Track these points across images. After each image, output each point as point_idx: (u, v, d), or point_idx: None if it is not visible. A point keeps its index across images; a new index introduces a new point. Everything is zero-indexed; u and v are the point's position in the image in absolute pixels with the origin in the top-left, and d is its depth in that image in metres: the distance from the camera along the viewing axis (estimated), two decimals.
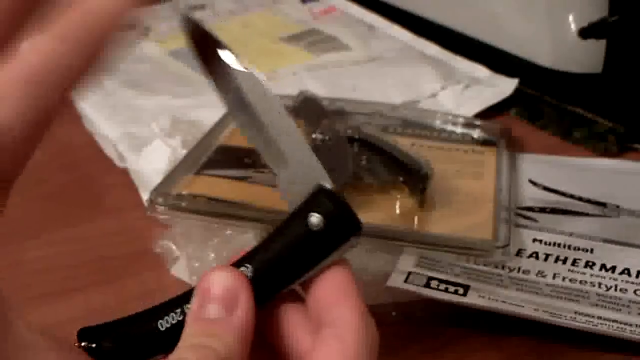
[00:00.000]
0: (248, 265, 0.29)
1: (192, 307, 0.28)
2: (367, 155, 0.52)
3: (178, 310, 0.29)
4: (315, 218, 0.28)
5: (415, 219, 0.49)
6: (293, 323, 0.29)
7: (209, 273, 0.28)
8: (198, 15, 0.84)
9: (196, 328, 0.28)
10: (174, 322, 0.29)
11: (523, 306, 0.42)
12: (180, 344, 0.28)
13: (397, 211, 0.50)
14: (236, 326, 0.27)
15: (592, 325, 0.41)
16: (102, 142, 0.61)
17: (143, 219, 0.49)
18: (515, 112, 0.66)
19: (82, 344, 0.30)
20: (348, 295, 0.28)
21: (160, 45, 0.77)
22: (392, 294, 0.44)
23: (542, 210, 0.52)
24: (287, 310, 0.30)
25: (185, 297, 0.29)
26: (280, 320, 0.29)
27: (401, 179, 0.51)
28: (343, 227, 0.28)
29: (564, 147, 0.61)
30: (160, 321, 0.29)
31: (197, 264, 0.45)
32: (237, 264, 0.29)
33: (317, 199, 0.29)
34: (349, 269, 0.29)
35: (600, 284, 0.44)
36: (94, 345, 0.29)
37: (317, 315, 0.28)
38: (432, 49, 0.74)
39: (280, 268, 0.29)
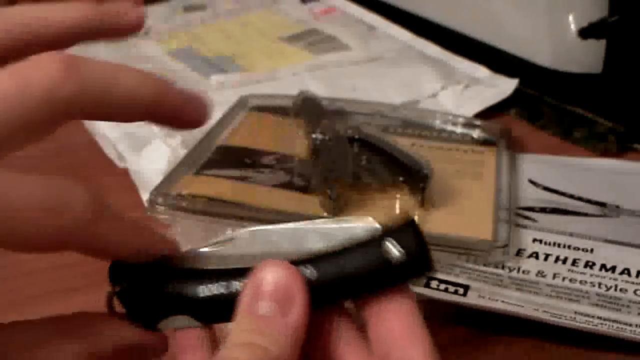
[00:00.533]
0: (310, 267, 0.27)
1: (244, 299, 0.27)
2: (367, 155, 0.52)
3: (224, 284, 0.27)
4: (396, 251, 0.27)
5: (415, 219, 0.49)
6: (345, 341, 0.28)
7: (264, 266, 0.27)
8: (198, 15, 0.84)
9: (248, 324, 0.26)
10: (215, 292, 0.27)
11: (523, 306, 0.42)
12: (231, 338, 0.26)
13: (397, 211, 0.50)
14: (291, 328, 0.26)
15: (592, 325, 0.41)
16: (102, 142, 0.61)
17: (143, 219, 0.49)
18: (515, 112, 0.66)
19: (112, 283, 0.28)
20: (417, 334, 0.27)
21: (161, 45, 0.77)
22: None
23: (542, 210, 0.52)
24: (339, 326, 0.28)
25: (233, 272, 0.28)
26: (330, 334, 0.28)
27: (401, 179, 0.51)
28: (420, 266, 0.28)
29: (564, 147, 0.61)
30: (202, 287, 0.28)
31: None
32: (296, 263, 0.27)
33: (403, 231, 0.28)
34: (413, 301, 0.28)
35: (600, 284, 0.44)
36: (121, 285, 0.28)
37: (383, 348, 0.27)
38: (432, 49, 0.74)
39: (343, 281, 0.27)
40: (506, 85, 0.67)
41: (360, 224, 0.28)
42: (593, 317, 0.42)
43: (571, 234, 0.49)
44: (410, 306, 0.28)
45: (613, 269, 0.46)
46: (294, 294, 0.27)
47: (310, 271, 0.27)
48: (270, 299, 0.26)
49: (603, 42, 0.64)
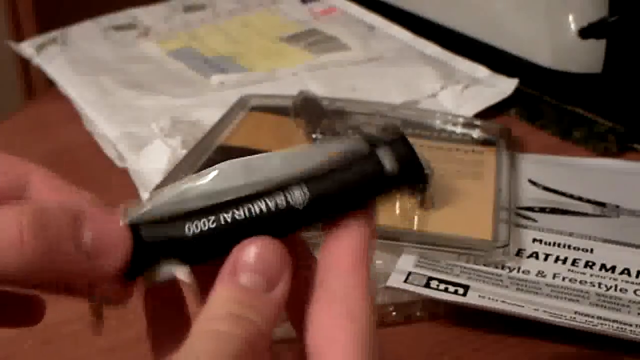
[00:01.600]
0: (304, 186, 0.26)
1: (227, 268, 0.25)
2: None
3: (212, 217, 0.26)
4: (389, 162, 0.27)
5: (415, 219, 0.49)
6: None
7: (250, 240, 0.25)
8: (198, 15, 0.84)
9: (231, 293, 0.25)
10: (204, 228, 0.26)
11: (523, 306, 0.42)
12: (211, 308, 0.24)
13: (397, 211, 0.50)
14: (276, 303, 0.25)
15: (592, 325, 0.41)
16: (102, 142, 0.61)
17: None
18: (515, 112, 0.66)
19: None
20: (357, 266, 0.26)
21: (161, 45, 0.77)
22: (392, 294, 0.44)
23: (542, 210, 0.52)
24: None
25: (223, 206, 0.26)
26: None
27: None
28: (413, 175, 0.27)
29: (564, 147, 0.61)
30: (189, 224, 0.26)
31: None
32: (288, 184, 0.26)
33: (395, 143, 0.27)
34: (370, 226, 0.26)
35: (600, 284, 0.44)
36: None
37: (321, 273, 0.26)
38: (432, 49, 0.74)
39: (338, 196, 0.26)
40: (506, 85, 0.67)
41: (348, 142, 0.27)
42: (593, 317, 0.42)
43: (571, 234, 0.49)
44: (364, 233, 0.26)
45: (613, 269, 0.46)
46: (281, 270, 0.25)
47: (302, 192, 0.26)
48: (257, 272, 0.25)
49: (603, 42, 0.64)
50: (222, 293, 0.25)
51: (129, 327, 0.43)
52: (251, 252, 0.25)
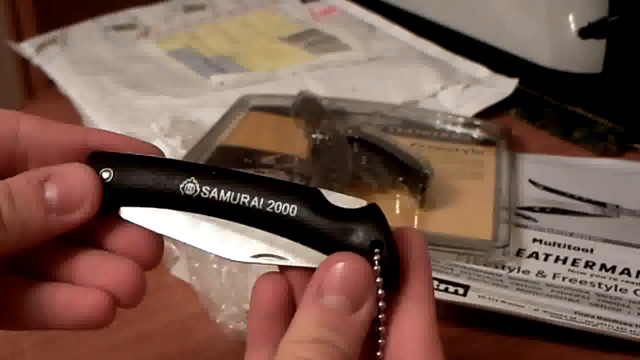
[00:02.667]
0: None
1: (311, 290, 0.25)
2: (367, 155, 0.52)
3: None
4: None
5: (415, 219, 0.49)
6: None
7: (334, 257, 0.25)
8: (198, 15, 0.84)
9: (317, 317, 0.25)
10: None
11: (523, 306, 0.42)
12: (297, 330, 0.25)
13: (397, 211, 0.50)
14: (362, 325, 0.25)
15: (592, 325, 0.41)
16: None
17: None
18: (515, 112, 0.66)
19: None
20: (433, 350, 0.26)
21: (161, 45, 0.77)
22: None
23: (542, 210, 0.52)
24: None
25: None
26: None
27: (401, 179, 0.51)
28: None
29: (564, 147, 0.62)
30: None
31: (197, 264, 0.45)
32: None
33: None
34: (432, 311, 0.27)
35: (600, 284, 0.44)
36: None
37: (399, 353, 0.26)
38: (432, 49, 0.74)
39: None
40: (506, 85, 0.67)
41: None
42: (593, 317, 0.42)
43: (571, 234, 0.49)
44: (428, 317, 0.26)
45: (613, 269, 0.46)
46: (366, 289, 0.25)
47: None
48: (342, 293, 0.25)
49: (603, 42, 0.64)
50: (308, 316, 0.25)
51: (129, 326, 0.43)
52: (337, 271, 0.25)
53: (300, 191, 0.27)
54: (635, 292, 0.44)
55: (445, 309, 0.44)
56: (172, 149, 0.56)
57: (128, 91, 0.67)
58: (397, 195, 0.51)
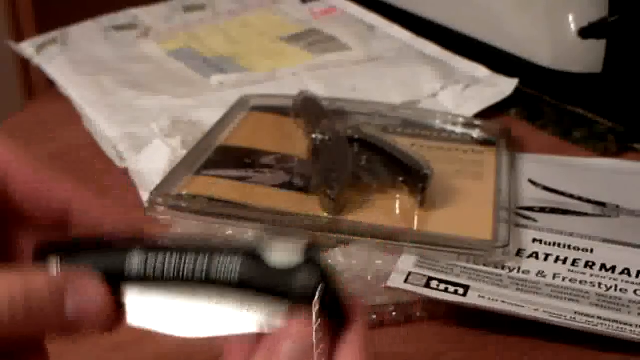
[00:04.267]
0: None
1: None
2: (367, 155, 0.52)
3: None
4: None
5: (415, 219, 0.49)
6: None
7: (284, 330, 0.27)
8: (198, 15, 0.84)
9: None
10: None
11: (523, 306, 0.42)
12: None
13: (397, 211, 0.50)
14: None
15: (592, 325, 0.41)
16: (102, 142, 0.61)
17: (143, 219, 0.49)
18: (515, 112, 0.66)
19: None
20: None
21: (161, 46, 0.77)
22: (392, 294, 0.44)
23: (542, 210, 0.52)
24: None
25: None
26: None
27: (401, 179, 0.51)
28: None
29: (564, 147, 0.61)
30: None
31: None
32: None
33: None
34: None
35: (600, 284, 0.44)
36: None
37: None
38: (432, 49, 0.74)
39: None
40: (506, 85, 0.67)
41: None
42: (593, 317, 0.42)
43: (571, 234, 0.49)
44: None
45: (613, 269, 0.46)
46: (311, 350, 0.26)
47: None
48: None
49: (603, 42, 0.64)
50: None
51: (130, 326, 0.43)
52: (283, 344, 0.26)
53: (240, 253, 0.28)
54: (635, 292, 0.44)
55: (445, 309, 0.44)
56: (172, 149, 0.56)
57: (128, 91, 0.67)
58: (397, 195, 0.51)
